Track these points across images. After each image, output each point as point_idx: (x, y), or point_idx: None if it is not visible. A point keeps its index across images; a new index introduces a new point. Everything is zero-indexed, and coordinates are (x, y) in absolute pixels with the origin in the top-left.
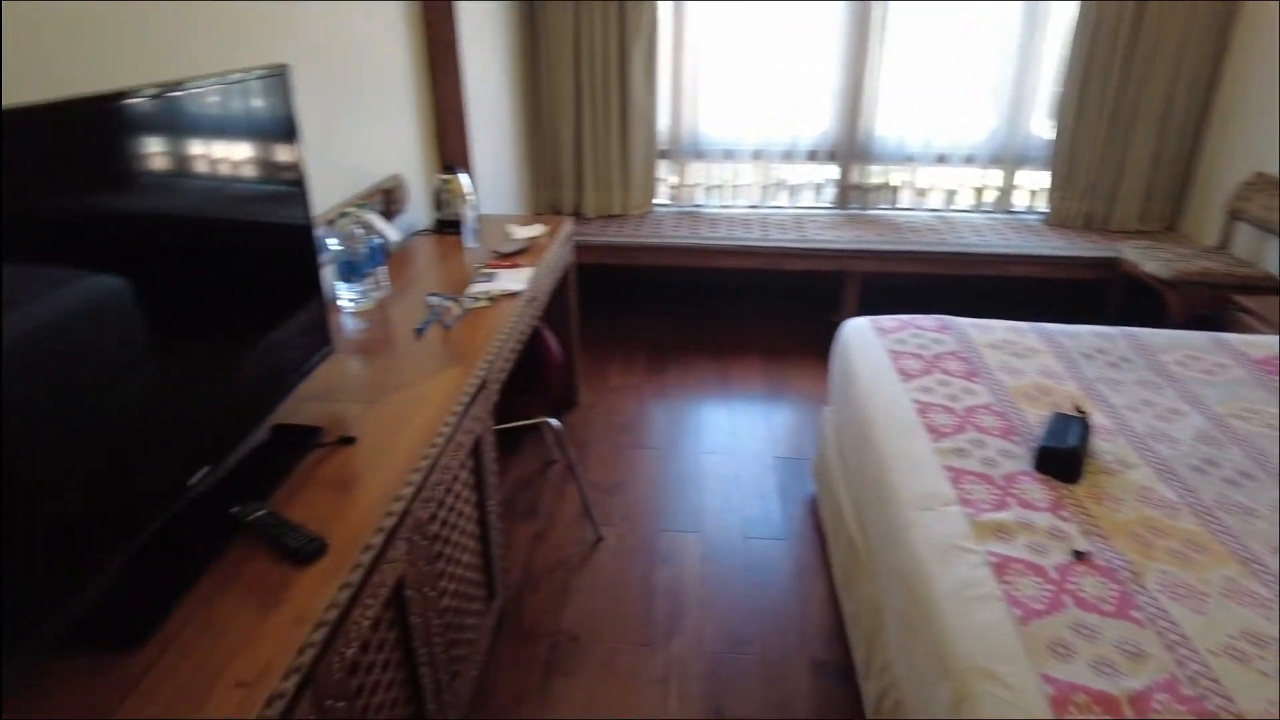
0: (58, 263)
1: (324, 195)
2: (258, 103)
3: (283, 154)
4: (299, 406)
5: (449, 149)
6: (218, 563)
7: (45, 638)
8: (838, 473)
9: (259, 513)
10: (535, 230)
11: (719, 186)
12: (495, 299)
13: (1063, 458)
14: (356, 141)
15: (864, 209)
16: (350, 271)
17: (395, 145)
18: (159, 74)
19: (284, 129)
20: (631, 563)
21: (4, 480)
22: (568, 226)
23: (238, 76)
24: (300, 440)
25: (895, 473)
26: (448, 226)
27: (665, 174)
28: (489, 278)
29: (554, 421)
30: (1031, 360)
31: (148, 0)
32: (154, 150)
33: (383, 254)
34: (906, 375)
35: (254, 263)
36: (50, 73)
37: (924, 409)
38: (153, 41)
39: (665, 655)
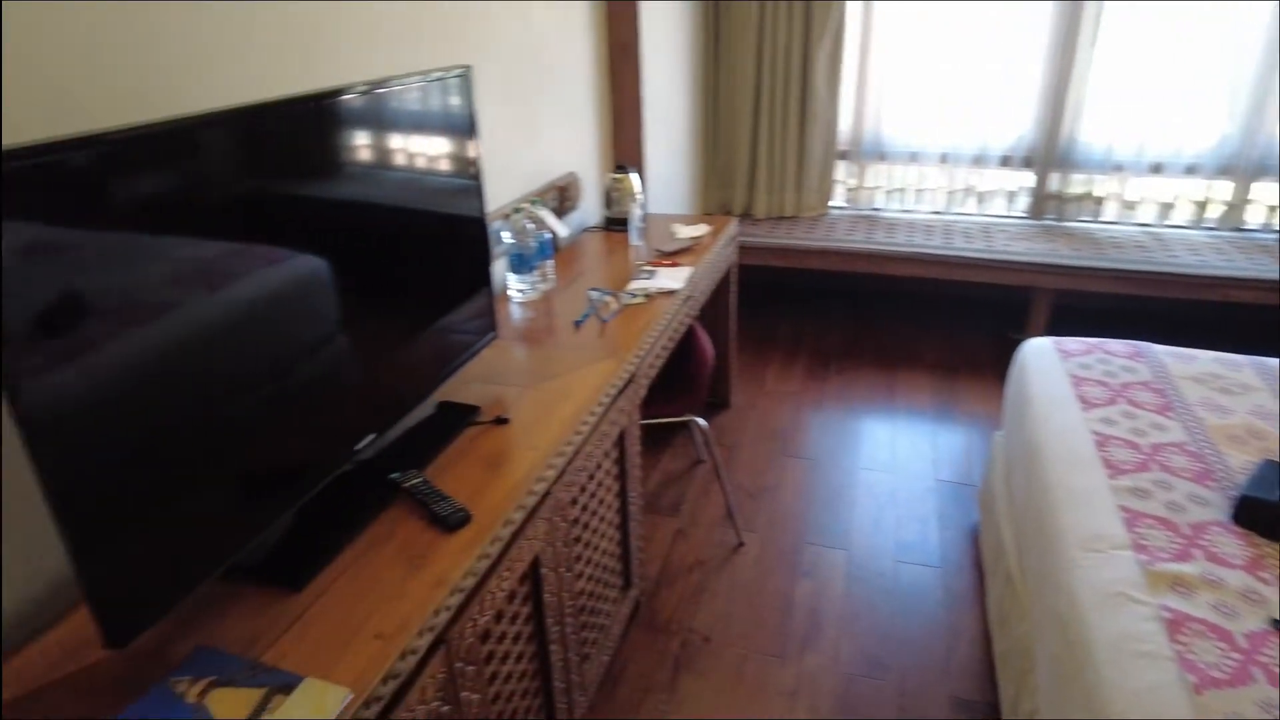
0: (273, 242)
1: (502, 190)
2: (443, 101)
3: (464, 150)
4: (463, 386)
5: (622, 148)
6: (375, 522)
7: (226, 569)
8: (1002, 502)
9: (415, 480)
10: (699, 230)
11: (900, 190)
12: (652, 296)
13: (1269, 511)
14: (535, 139)
15: (1060, 220)
16: (520, 264)
17: (571, 144)
18: (353, 76)
19: (466, 126)
20: (772, 571)
21: (213, 426)
22: (732, 227)
23: (426, 77)
24: (460, 417)
25: (1062, 507)
26: (616, 224)
27: (843, 176)
28: (649, 275)
29: (701, 421)
30: (1244, 398)
31: (347, 1)
32: (354, 143)
33: (552, 248)
34: (1088, 403)
35: (434, 251)
36: (251, 75)
37: (1103, 441)
38: (354, 44)
39: (797, 669)
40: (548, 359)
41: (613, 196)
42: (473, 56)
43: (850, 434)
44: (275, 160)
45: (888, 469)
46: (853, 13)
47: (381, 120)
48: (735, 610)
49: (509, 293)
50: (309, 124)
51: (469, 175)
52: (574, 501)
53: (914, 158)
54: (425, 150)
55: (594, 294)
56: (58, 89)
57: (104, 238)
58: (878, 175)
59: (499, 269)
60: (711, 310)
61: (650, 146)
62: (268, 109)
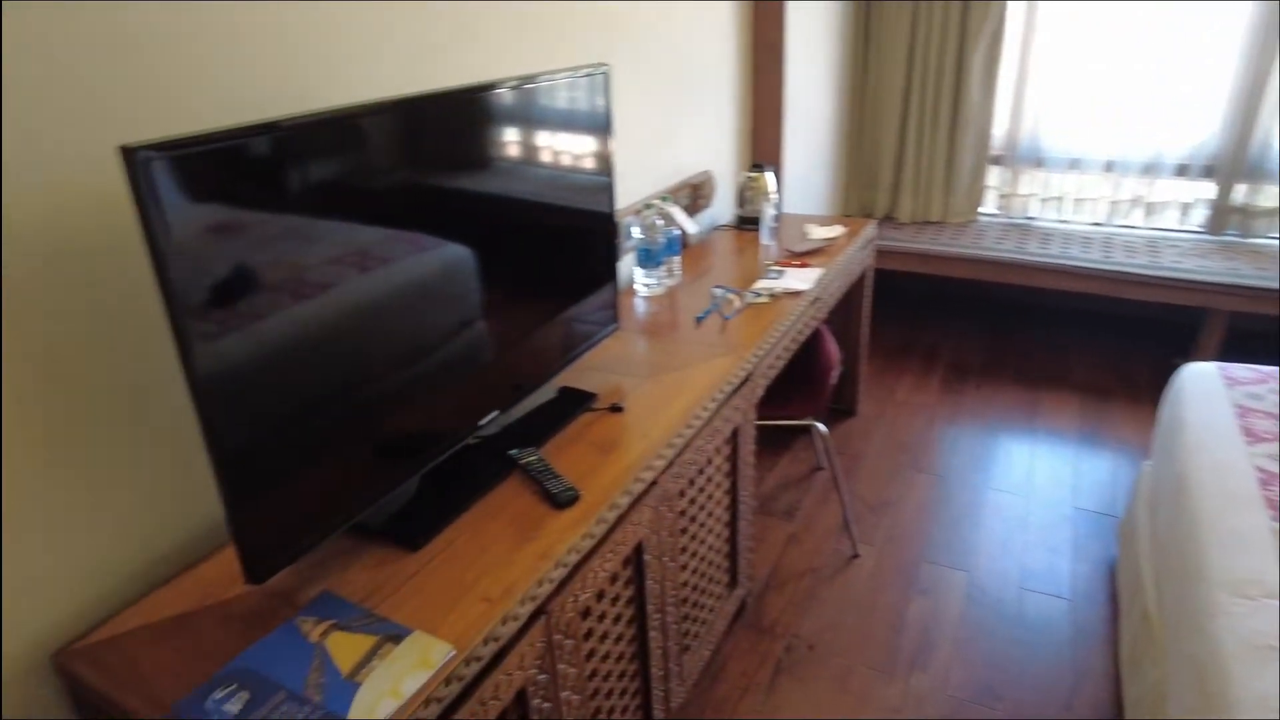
0: (423, 230)
1: (637, 186)
2: (582, 98)
3: (599, 146)
4: (584, 373)
5: (761, 147)
6: (491, 493)
7: (356, 523)
8: (1145, 536)
9: (531, 457)
10: (833, 231)
11: (1058, 199)
12: (777, 296)
13: None
14: (673, 137)
15: (1244, 236)
16: (648, 259)
17: (709, 142)
18: (495, 72)
19: (602, 123)
20: (886, 586)
21: (359, 395)
22: (869, 230)
23: (571, 74)
24: (577, 402)
25: (1212, 547)
26: (748, 223)
27: (995, 182)
28: (777, 275)
29: (820, 426)
30: None
31: (502, 1)
32: (498, 136)
33: (680, 245)
34: (1253, 437)
35: (566, 243)
36: (387, 73)
37: (1269, 480)
38: (497, 41)
39: (903, 687)
40: (666, 352)
41: (746, 195)
42: (614, 54)
43: (983, 452)
44: (428, 150)
45: (1021, 492)
46: (1014, 11)
47: (524, 115)
48: (844, 621)
49: (635, 286)
50: (460, 116)
51: (603, 171)
52: (681, 494)
53: (1074, 165)
54: (563, 145)
55: (718, 291)
56: (217, 83)
57: (275, 219)
58: (1033, 182)
59: (627, 263)
60: (843, 314)
61: (789, 146)
62: (426, 100)
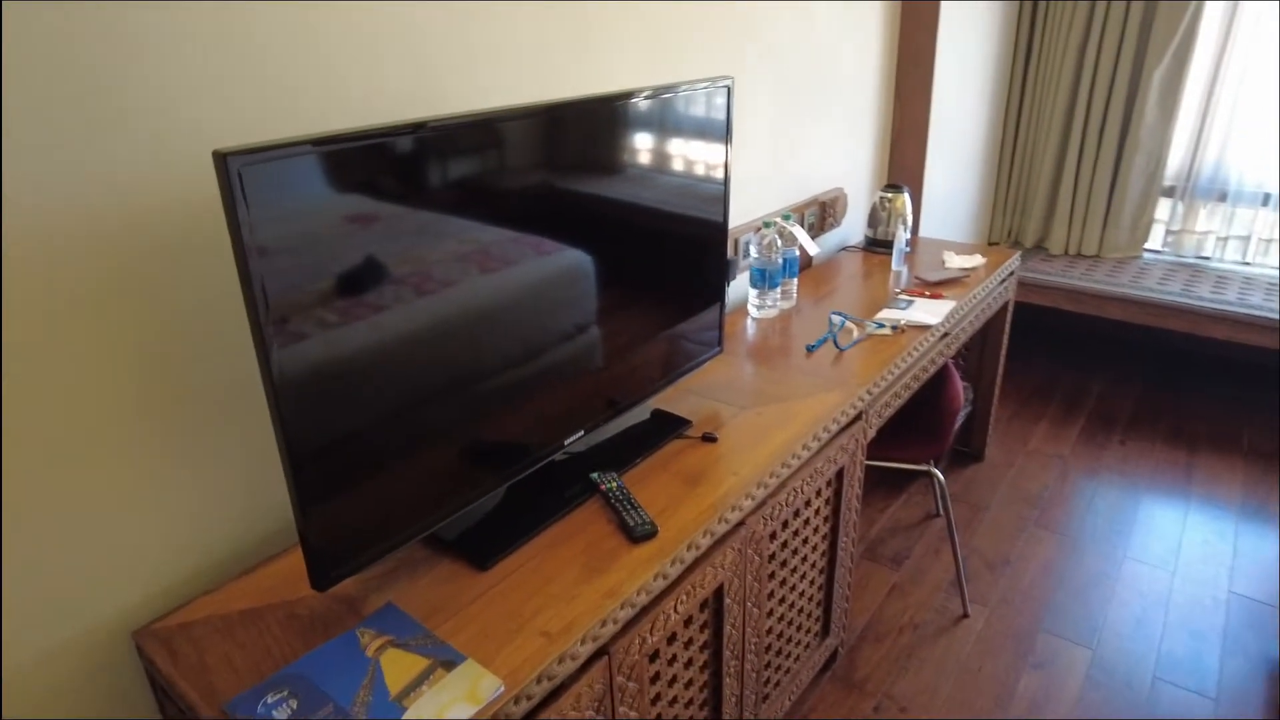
0: (547, 234)
1: (762, 200)
2: (706, 111)
3: (718, 161)
4: (680, 395)
5: (900, 166)
6: (567, 517)
7: (435, 534)
8: None
9: (613, 483)
10: (971, 261)
11: (1243, 239)
12: (902, 329)
13: None
14: (803, 150)
15: None
16: (762, 279)
17: (843, 157)
18: (624, 81)
19: (722, 137)
20: (995, 653)
21: (454, 402)
22: (1012, 261)
23: (694, 86)
24: (669, 427)
25: None
26: (878, 245)
27: (1165, 215)
28: (904, 305)
29: (938, 474)
30: None
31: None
32: (624, 146)
33: (798, 266)
34: None
35: (678, 259)
36: (508, 81)
37: None
38: (629, 48)
39: None
40: (771, 381)
41: (879, 215)
42: (745, 59)
43: (1124, 516)
44: (558, 157)
45: (1165, 566)
46: (1211, 17)
47: (650, 125)
48: (943, 686)
49: (747, 307)
50: (592, 124)
51: (719, 187)
52: (773, 536)
53: (1266, 201)
54: (683, 158)
55: (836, 318)
56: (339, 86)
57: (408, 214)
58: (1211, 218)
59: (741, 282)
60: (976, 350)
61: (932, 165)
62: (565, 107)
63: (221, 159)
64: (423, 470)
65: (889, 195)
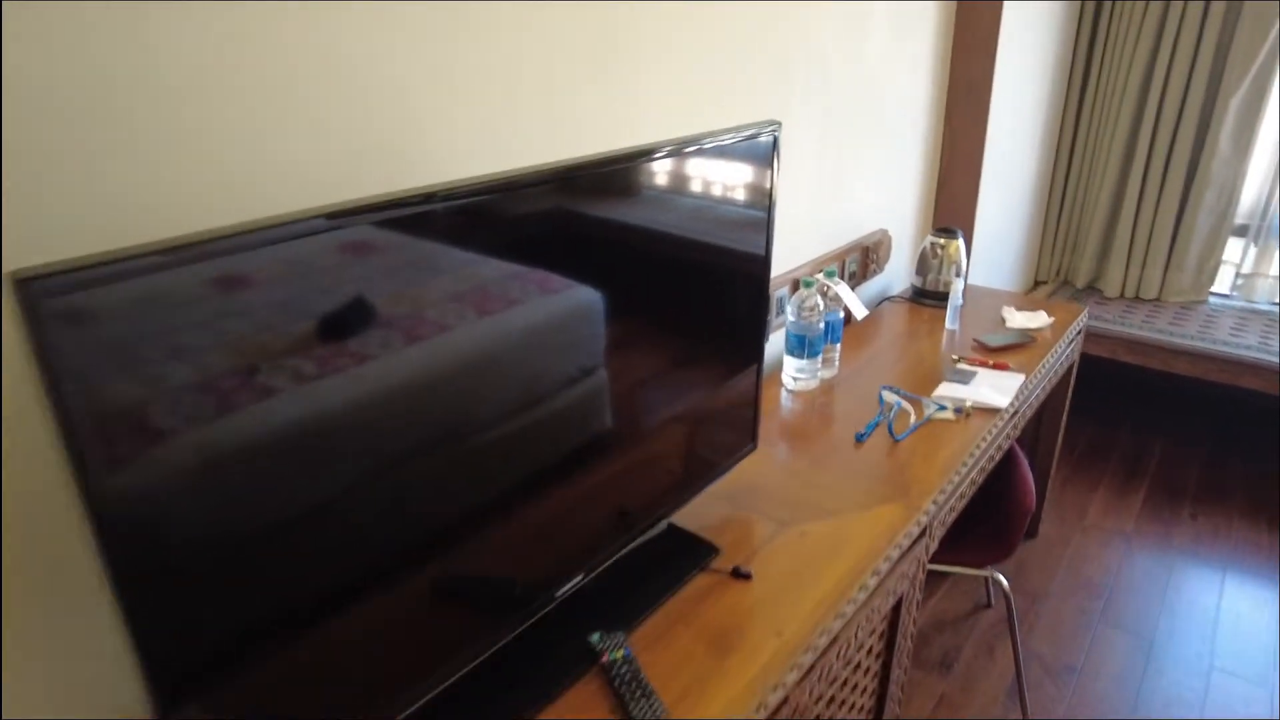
0: (558, 270)
1: (801, 248)
2: (746, 161)
3: (759, 216)
4: (702, 502)
5: (948, 204)
6: (558, 699)
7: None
8: None
9: (618, 652)
10: (1036, 321)
11: None
12: (967, 413)
13: None
14: (845, 191)
15: None
16: (802, 347)
17: (887, 197)
18: (657, 124)
19: (765, 191)
20: None
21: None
22: (1080, 320)
23: (735, 135)
24: (691, 556)
25: None
26: (927, 297)
27: (1235, 257)
28: (964, 377)
29: (1001, 578)
30: None
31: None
32: (647, 207)
33: (840, 330)
34: None
35: (706, 323)
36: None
37: None
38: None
39: None
40: (815, 484)
41: (929, 263)
42: (791, 102)
43: (1205, 611)
44: (564, 242)
45: (1259, 680)
46: None
47: (680, 182)
48: None
49: (783, 377)
50: (608, 187)
51: (757, 244)
52: (818, 700)
53: None
54: (716, 215)
55: (889, 396)
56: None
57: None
58: None
59: (774, 342)
60: (1034, 413)
61: (984, 202)
62: (572, 171)
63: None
64: (341, 658)
65: (941, 241)
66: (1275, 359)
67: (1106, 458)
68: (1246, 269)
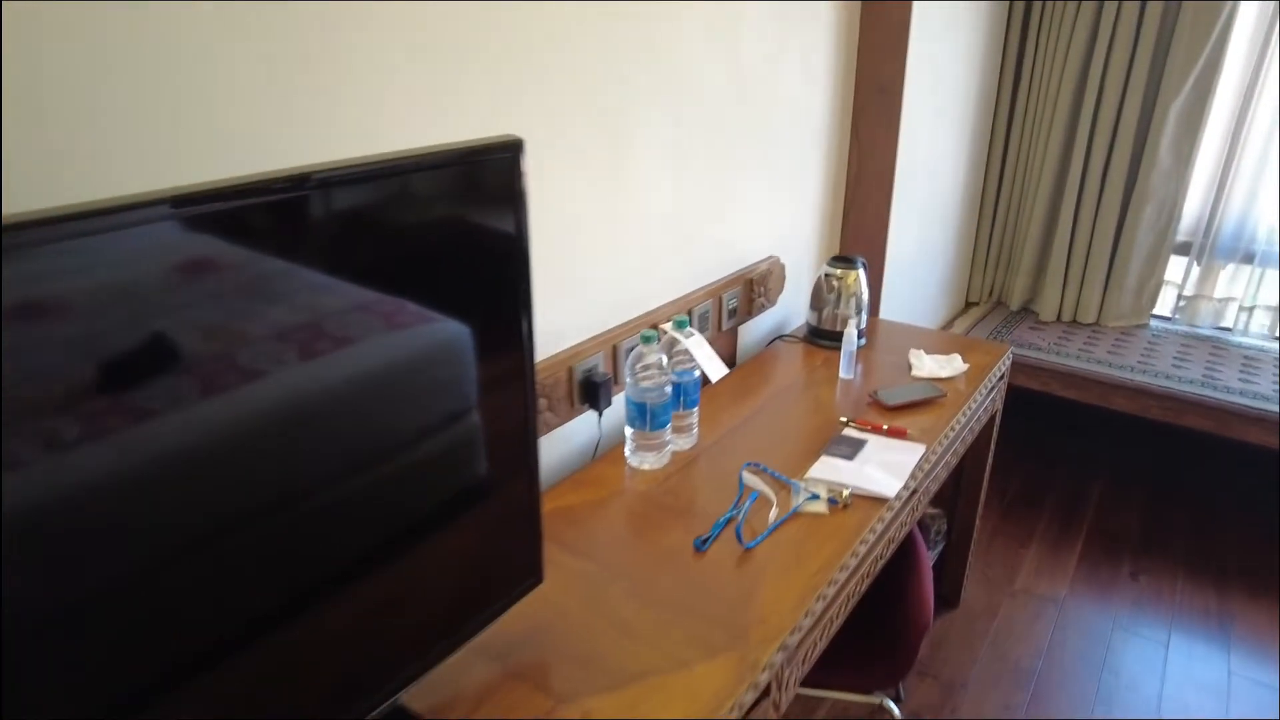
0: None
1: (651, 291)
2: (463, 198)
3: (502, 262)
4: (463, 662)
5: (857, 223)
6: None
7: None
8: None
9: None
10: (949, 367)
11: (1271, 309)
12: (844, 504)
13: None
14: (718, 214)
15: None
16: (640, 415)
17: (781, 219)
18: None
19: (500, 236)
20: None
21: None
22: (1003, 362)
23: (452, 154)
24: None
25: None
26: (823, 337)
27: (1178, 277)
28: (850, 449)
29: (892, 707)
30: None
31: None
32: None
33: (698, 392)
34: None
35: (434, 420)
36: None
37: None
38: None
39: None
40: (628, 625)
41: (824, 297)
42: (633, 99)
43: (1149, 699)
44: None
45: None
46: (1240, 40)
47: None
48: None
49: (626, 454)
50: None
51: (505, 310)
52: None
53: None
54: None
55: (749, 477)
56: None
57: None
58: (1234, 282)
59: (613, 410)
60: (954, 469)
61: (899, 219)
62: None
63: None
64: None
65: (837, 272)
66: (1219, 395)
67: (1039, 503)
68: (1189, 290)
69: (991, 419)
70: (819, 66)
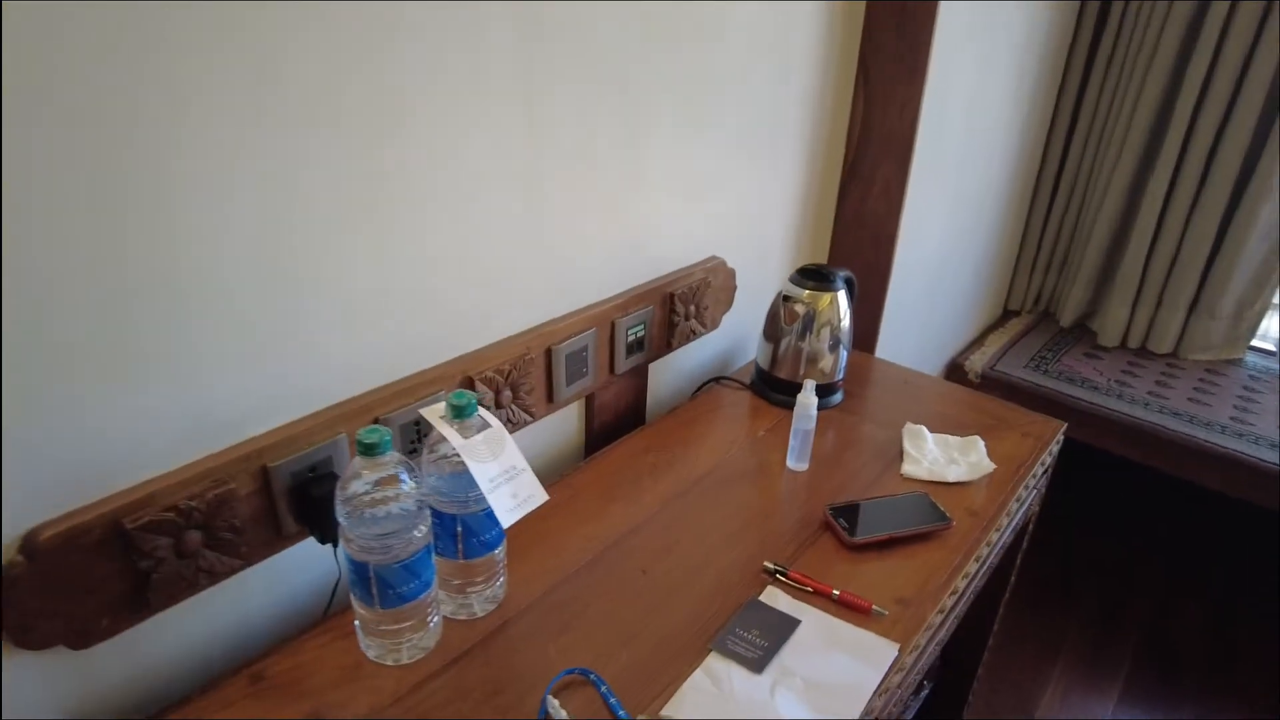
0: None
1: (510, 306)
2: None
3: None
4: None
5: (854, 215)
6: None
7: None
8: None
9: None
10: (964, 465)
11: None
12: None
13: None
14: (614, 199)
15: None
16: (362, 580)
17: (724, 201)
18: None
19: None
20: None
21: None
22: (1053, 447)
23: None
24: None
25: None
26: (775, 389)
27: None
28: (767, 639)
29: None
30: None
31: None
32: None
33: (500, 537)
34: None
35: None
36: None
37: None
38: None
39: None
40: None
41: (779, 328)
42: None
43: None
44: None
45: None
46: None
47: None
48: None
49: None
50: None
51: None
52: None
53: None
54: None
55: (555, 710)
56: None
57: None
58: None
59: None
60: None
61: (916, 206)
62: None
63: None
64: None
65: (803, 294)
66: None
67: (1072, 603)
68: None
69: (1024, 528)
70: (812, 33)
